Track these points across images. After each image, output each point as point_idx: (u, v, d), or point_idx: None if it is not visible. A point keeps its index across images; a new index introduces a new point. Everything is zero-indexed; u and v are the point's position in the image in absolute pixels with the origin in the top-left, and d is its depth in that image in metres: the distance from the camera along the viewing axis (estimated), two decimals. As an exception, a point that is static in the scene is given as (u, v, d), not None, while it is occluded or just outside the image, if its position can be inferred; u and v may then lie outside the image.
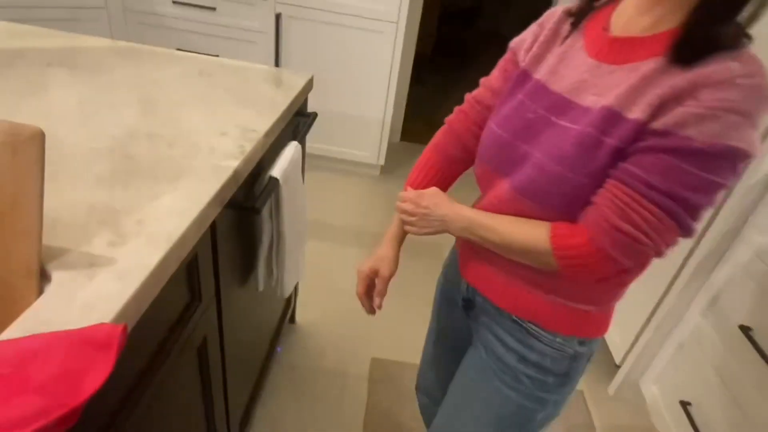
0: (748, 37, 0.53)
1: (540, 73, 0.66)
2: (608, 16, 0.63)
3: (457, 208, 0.71)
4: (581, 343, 0.69)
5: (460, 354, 0.84)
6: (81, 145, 0.75)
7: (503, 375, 0.72)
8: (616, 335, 1.60)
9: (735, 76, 0.49)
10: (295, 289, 1.57)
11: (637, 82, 0.55)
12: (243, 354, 1.07)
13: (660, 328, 1.40)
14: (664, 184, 0.53)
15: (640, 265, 0.61)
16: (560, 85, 0.63)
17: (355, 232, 2.17)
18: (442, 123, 0.84)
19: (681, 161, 0.52)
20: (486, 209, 0.70)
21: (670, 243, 0.56)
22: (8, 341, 0.41)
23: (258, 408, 1.32)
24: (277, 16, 2.15)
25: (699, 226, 0.56)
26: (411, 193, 0.77)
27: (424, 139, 0.81)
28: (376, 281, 0.81)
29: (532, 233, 0.62)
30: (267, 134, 0.89)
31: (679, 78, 0.52)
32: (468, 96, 0.81)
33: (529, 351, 0.70)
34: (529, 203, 0.63)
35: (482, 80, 0.79)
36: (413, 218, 0.75)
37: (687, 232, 0.56)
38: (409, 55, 2.66)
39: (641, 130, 0.54)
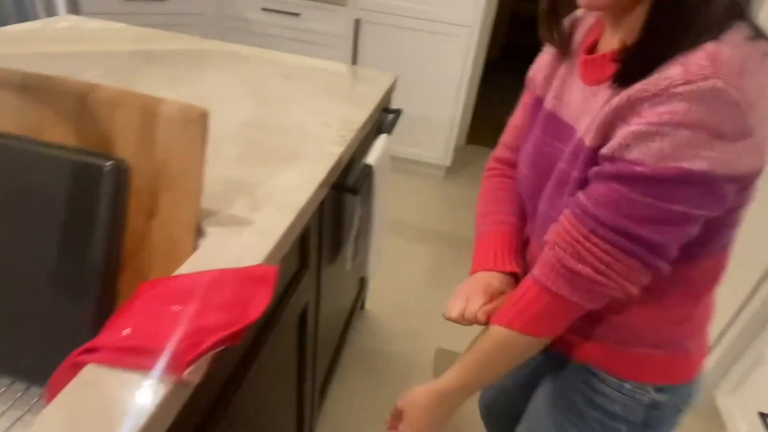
0: (727, 23, 0.43)
1: (548, 100, 0.62)
2: (598, 35, 0.57)
3: (433, 394, 0.66)
4: (659, 391, 0.61)
5: (524, 374, 0.81)
6: (212, 132, 0.86)
7: (569, 412, 0.67)
8: (690, 344, 1.56)
9: (672, 85, 0.42)
10: (365, 277, 1.66)
11: (601, 105, 0.50)
12: (327, 327, 1.16)
13: (740, 338, 1.36)
14: (615, 218, 0.47)
15: (612, 301, 0.53)
16: (566, 111, 0.58)
17: (420, 230, 2.24)
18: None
19: (631, 190, 0.45)
20: (530, 257, 0.66)
21: (637, 282, 0.50)
22: (189, 274, 0.51)
23: (333, 382, 1.42)
24: (357, 21, 2.27)
25: (668, 263, 0.49)
26: None
27: (489, 142, 0.82)
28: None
29: (492, 337, 0.59)
30: (363, 126, 0.97)
31: (620, 96, 0.46)
32: (490, 158, 0.77)
33: (595, 394, 0.63)
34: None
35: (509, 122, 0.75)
36: None
37: (654, 269, 0.49)
38: (480, 59, 2.70)
39: (594, 156, 0.50)
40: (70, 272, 0.60)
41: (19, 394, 0.63)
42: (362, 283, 1.63)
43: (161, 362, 0.42)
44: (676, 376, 0.62)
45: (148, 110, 0.60)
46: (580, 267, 0.50)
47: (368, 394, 1.45)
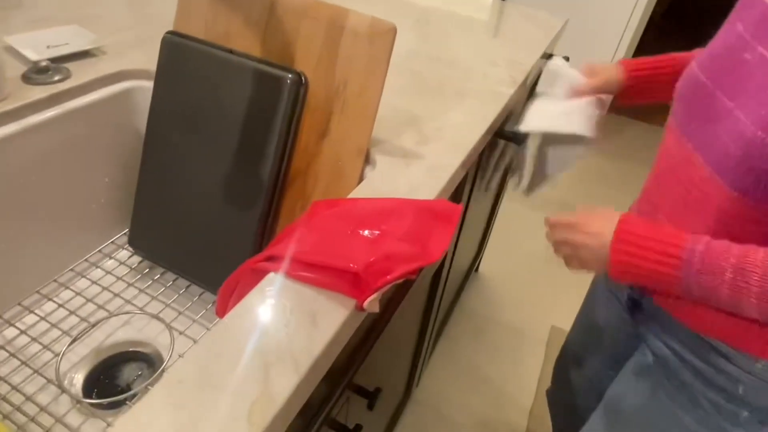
0: None
1: None
2: None
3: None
4: None
5: (610, 355, 0.72)
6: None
7: (676, 393, 0.58)
8: None
9: None
10: (484, 239, 1.58)
11: None
12: (450, 280, 1.13)
13: None
14: None
15: None
16: None
17: (548, 199, 2.07)
18: (658, 102, 0.72)
19: None
20: (652, 190, 0.56)
21: None
22: (367, 199, 0.48)
23: (441, 340, 1.40)
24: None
25: None
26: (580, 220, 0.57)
27: (634, 113, 0.70)
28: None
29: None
30: (531, 69, 0.87)
31: None
32: None
33: (715, 372, 0.54)
34: (718, 186, 0.46)
35: None
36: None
37: None
38: (644, 18, 2.36)
39: None
40: (244, 183, 0.61)
41: (195, 298, 0.67)
42: (480, 245, 1.56)
43: (345, 284, 0.39)
44: None
45: (335, 22, 0.56)
46: None
47: (474, 358, 1.41)
